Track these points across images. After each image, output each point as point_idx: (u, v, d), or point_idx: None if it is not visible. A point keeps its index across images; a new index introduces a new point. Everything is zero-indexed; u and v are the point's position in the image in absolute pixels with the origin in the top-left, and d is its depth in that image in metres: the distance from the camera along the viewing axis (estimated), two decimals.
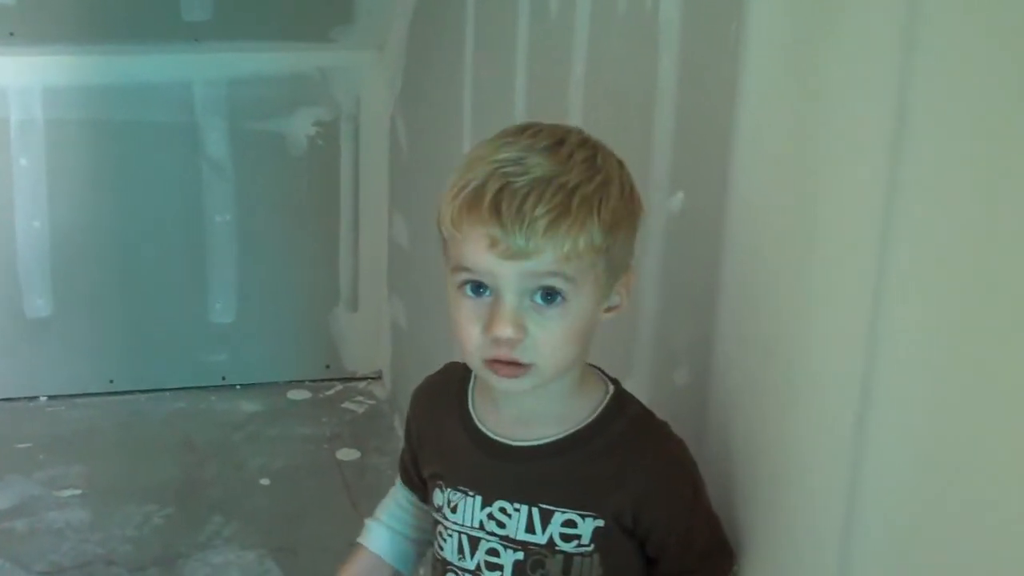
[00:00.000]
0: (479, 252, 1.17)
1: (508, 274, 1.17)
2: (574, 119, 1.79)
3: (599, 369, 1.33)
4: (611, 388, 1.31)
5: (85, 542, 2.77)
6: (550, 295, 1.18)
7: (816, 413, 1.17)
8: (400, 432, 3.21)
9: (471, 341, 1.21)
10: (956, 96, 0.95)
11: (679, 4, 1.47)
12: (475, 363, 1.23)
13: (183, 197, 3.33)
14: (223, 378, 3.49)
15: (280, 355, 3.52)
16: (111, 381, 3.43)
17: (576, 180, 1.17)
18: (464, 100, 2.44)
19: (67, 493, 2.96)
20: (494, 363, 1.20)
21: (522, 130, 1.23)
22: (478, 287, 1.19)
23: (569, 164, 1.18)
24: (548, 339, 1.19)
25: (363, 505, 2.88)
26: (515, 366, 1.20)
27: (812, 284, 1.18)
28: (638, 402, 1.33)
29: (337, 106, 3.33)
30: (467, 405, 1.35)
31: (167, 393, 3.45)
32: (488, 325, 1.18)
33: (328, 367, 3.54)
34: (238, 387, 3.49)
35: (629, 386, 1.51)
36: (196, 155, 3.30)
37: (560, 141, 1.20)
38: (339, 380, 3.54)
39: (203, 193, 3.33)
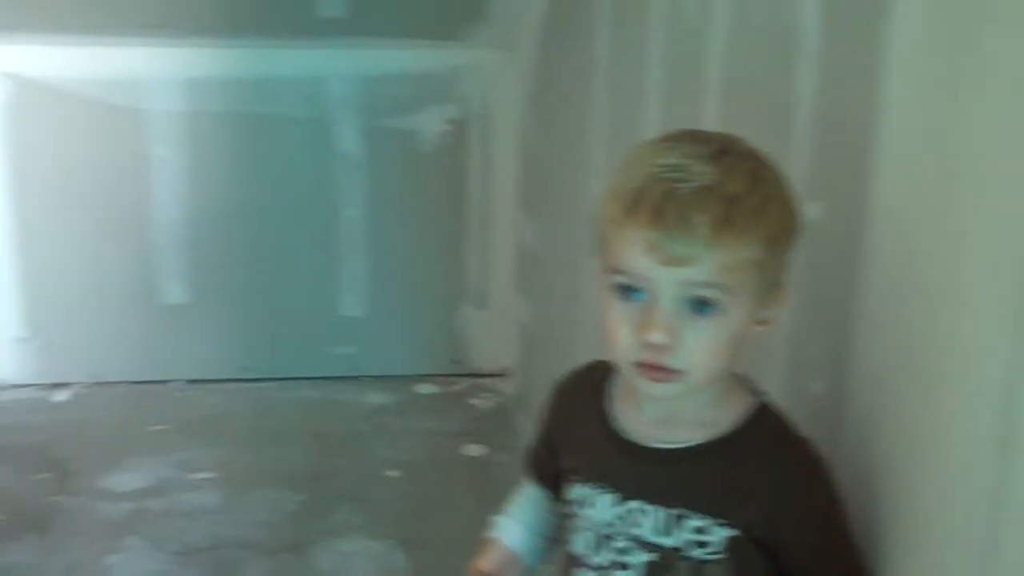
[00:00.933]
0: (637, 256, 1.16)
1: (665, 280, 1.16)
2: (708, 124, 1.79)
3: (748, 380, 1.32)
4: (756, 399, 1.30)
5: (217, 524, 2.84)
6: (705, 304, 1.17)
7: (960, 425, 1.16)
8: (527, 429, 3.24)
9: (622, 342, 1.20)
10: None
11: (819, 10, 1.46)
12: (625, 364, 1.22)
13: (316, 190, 3.38)
14: (353, 369, 3.54)
15: (408, 349, 3.56)
16: (244, 368, 3.51)
17: (739, 191, 1.16)
18: (597, 102, 2.45)
19: (200, 476, 3.04)
20: (644, 366, 1.20)
21: (686, 135, 1.22)
22: (632, 290, 1.19)
23: (733, 174, 1.16)
24: (700, 348, 1.18)
25: (489, 501, 2.88)
26: (664, 371, 1.19)
27: (957, 293, 1.16)
28: (782, 415, 1.31)
29: (468, 104, 3.36)
30: (606, 402, 1.34)
31: (297, 382, 3.51)
32: (641, 328, 1.18)
33: (455, 363, 3.57)
34: (367, 379, 3.54)
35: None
36: (329, 150, 3.35)
37: (723, 150, 1.19)
38: (466, 376, 3.57)
39: (335, 187, 3.38)
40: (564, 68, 2.80)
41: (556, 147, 2.91)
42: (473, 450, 3.20)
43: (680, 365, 1.19)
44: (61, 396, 3.41)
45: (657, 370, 1.19)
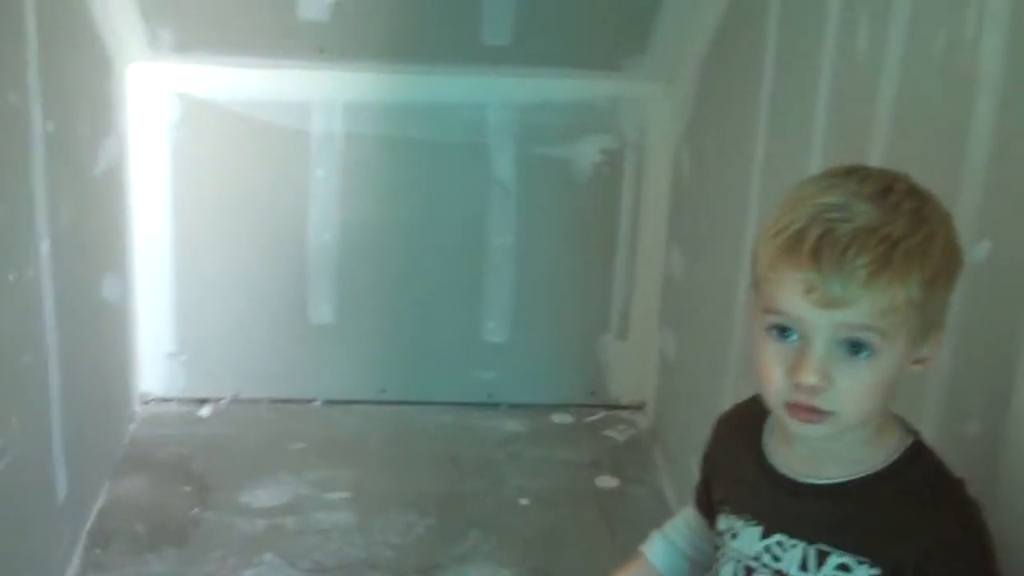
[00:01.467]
0: (793, 297, 1.16)
1: (820, 322, 1.16)
2: (875, 161, 1.75)
3: (901, 418, 1.30)
4: (910, 438, 1.28)
5: (349, 544, 2.86)
6: (859, 346, 1.16)
7: None
8: (660, 463, 3.21)
9: (773, 383, 1.20)
10: None
11: (1002, 44, 1.42)
12: (775, 404, 1.22)
13: (468, 216, 3.40)
14: (490, 396, 3.55)
15: (547, 378, 3.55)
16: (383, 390, 3.53)
17: (901, 232, 1.14)
18: (756, 137, 2.42)
19: (335, 496, 3.06)
20: (794, 407, 1.20)
21: (849, 173, 1.21)
22: (786, 331, 1.19)
23: (895, 214, 1.15)
24: (852, 390, 1.17)
25: (620, 534, 2.88)
26: (814, 412, 1.19)
27: None
28: (935, 456, 1.29)
29: (624, 135, 3.35)
30: (761, 437, 1.34)
31: (435, 406, 3.52)
32: (793, 370, 1.18)
33: (593, 393, 3.55)
34: (504, 406, 3.54)
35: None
36: (484, 176, 3.36)
37: (887, 188, 1.18)
38: (603, 407, 3.55)
39: (487, 213, 3.39)
40: (723, 102, 2.78)
41: (710, 180, 2.89)
42: (606, 482, 3.18)
43: (831, 407, 1.18)
44: (205, 411, 3.46)
45: (808, 411, 1.19)
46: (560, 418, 3.51)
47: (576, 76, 3.27)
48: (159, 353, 3.47)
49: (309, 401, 3.53)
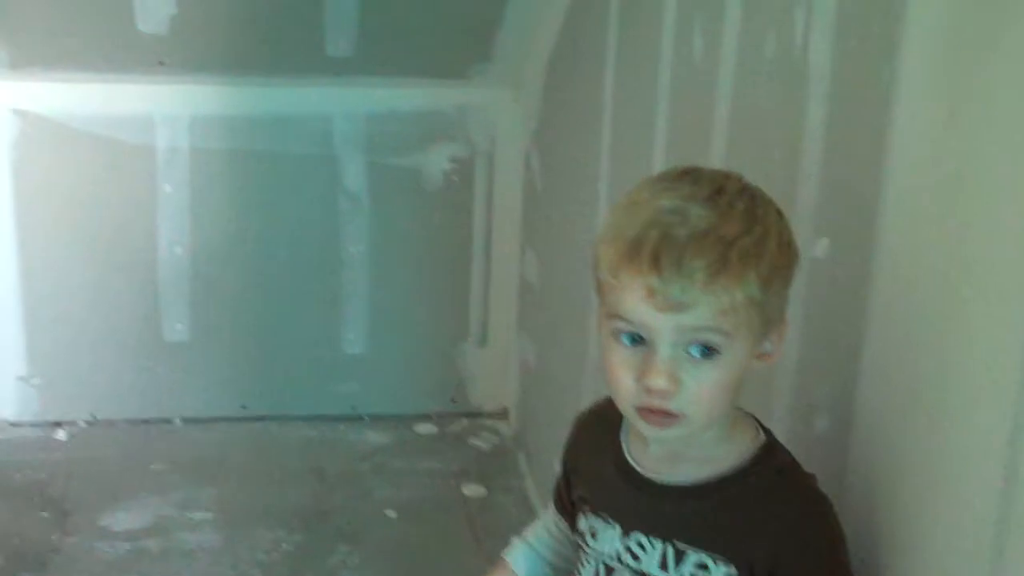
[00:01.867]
0: (636, 302, 1.17)
1: (664, 326, 1.17)
2: (716, 161, 1.78)
3: (753, 417, 1.33)
4: (762, 436, 1.30)
5: (216, 564, 2.82)
6: (704, 348, 1.18)
7: (965, 463, 1.14)
8: (525, 469, 3.23)
9: (623, 388, 1.21)
10: None
11: (830, 46, 1.46)
12: (626, 409, 1.23)
13: (320, 228, 3.38)
14: (352, 408, 3.53)
15: (408, 388, 3.54)
16: (244, 406, 3.49)
17: (735, 232, 1.16)
18: (602, 140, 2.45)
19: (199, 515, 3.02)
20: (645, 411, 1.21)
21: (682, 175, 1.23)
22: (632, 336, 1.19)
23: (729, 215, 1.17)
24: (701, 391, 1.19)
25: (488, 542, 2.89)
26: (666, 415, 1.20)
27: (963, 329, 1.15)
28: (788, 453, 1.31)
29: (473, 142, 3.36)
30: (620, 437, 1.35)
31: (298, 421, 3.49)
32: (641, 375, 1.19)
33: (454, 402, 3.56)
34: (366, 418, 3.53)
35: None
36: (334, 187, 3.35)
37: (720, 190, 1.20)
38: (465, 415, 3.56)
39: (339, 224, 3.38)
40: (569, 106, 2.80)
41: (560, 185, 2.91)
42: (472, 490, 3.18)
43: (681, 408, 1.19)
44: (61, 435, 3.39)
45: (659, 415, 1.20)
46: (424, 428, 3.51)
47: (422, 85, 3.27)
48: (9, 376, 3.39)
49: (168, 420, 3.48)
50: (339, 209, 3.36)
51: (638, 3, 2.28)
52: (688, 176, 1.22)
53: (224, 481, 3.18)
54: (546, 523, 1.55)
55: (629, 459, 1.33)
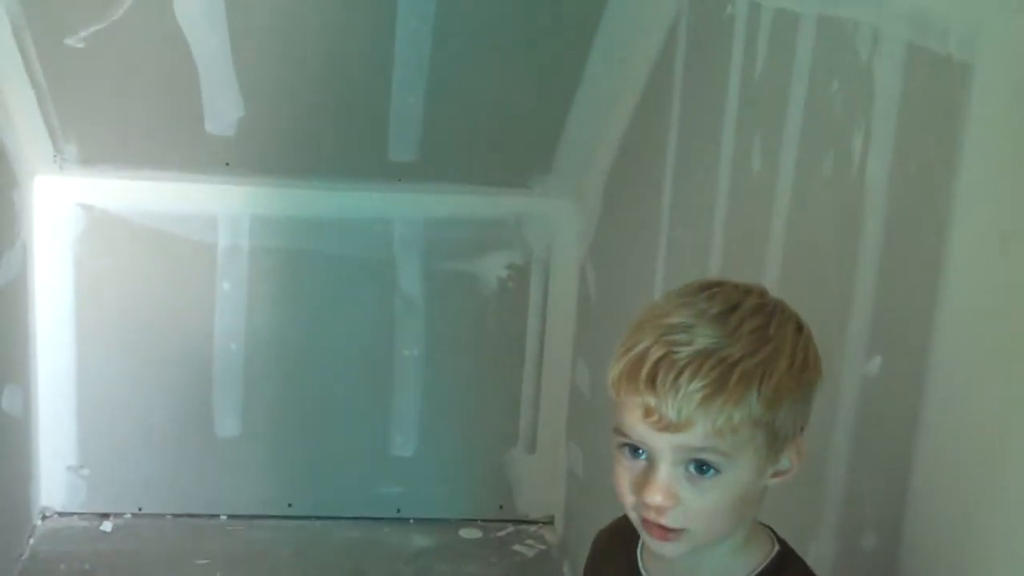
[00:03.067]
0: (635, 420, 1.18)
1: (661, 445, 1.18)
2: (770, 278, 1.80)
3: (770, 529, 1.32)
4: (776, 548, 1.30)
5: None
6: (703, 466, 1.18)
7: None
8: None
9: (627, 500, 1.23)
10: None
11: (887, 165, 1.48)
12: (633, 520, 1.24)
13: (375, 329, 3.40)
14: (398, 511, 3.52)
15: (455, 492, 3.53)
16: (290, 505, 3.49)
17: (739, 354, 1.16)
18: (657, 255, 2.47)
19: None
20: (647, 524, 1.22)
21: (702, 288, 1.24)
22: (635, 449, 1.21)
23: (736, 335, 1.17)
24: (701, 508, 1.19)
25: None
26: (665, 530, 1.20)
27: (1012, 460, 1.15)
28: (804, 564, 1.30)
29: (530, 251, 3.39)
30: (635, 551, 1.36)
31: (342, 521, 3.49)
32: (640, 489, 1.20)
33: (502, 508, 3.54)
34: (412, 521, 3.52)
35: (813, 549, 1.49)
36: (391, 290, 3.38)
37: (734, 307, 1.20)
38: (511, 522, 3.54)
39: (394, 327, 3.40)
40: (627, 219, 2.83)
41: (613, 296, 2.93)
42: None
43: (681, 524, 1.20)
44: (107, 526, 3.40)
45: (659, 529, 1.21)
46: (468, 533, 3.49)
47: (482, 193, 3.31)
48: (60, 466, 3.41)
49: (214, 516, 3.48)
50: (395, 312, 3.39)
51: (698, 118, 2.31)
52: (706, 291, 1.23)
53: None
54: None
55: (645, 573, 1.34)
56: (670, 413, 1.15)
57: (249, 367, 3.39)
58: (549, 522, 3.52)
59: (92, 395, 3.38)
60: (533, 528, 3.53)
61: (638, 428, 1.18)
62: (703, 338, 1.17)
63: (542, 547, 3.43)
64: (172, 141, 3.10)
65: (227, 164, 3.16)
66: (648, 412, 1.16)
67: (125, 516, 3.44)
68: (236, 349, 3.37)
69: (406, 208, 3.33)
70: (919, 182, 1.41)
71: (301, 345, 3.40)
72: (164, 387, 3.39)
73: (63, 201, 3.24)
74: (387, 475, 3.50)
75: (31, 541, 3.27)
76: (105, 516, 3.43)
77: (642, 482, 1.20)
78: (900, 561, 1.38)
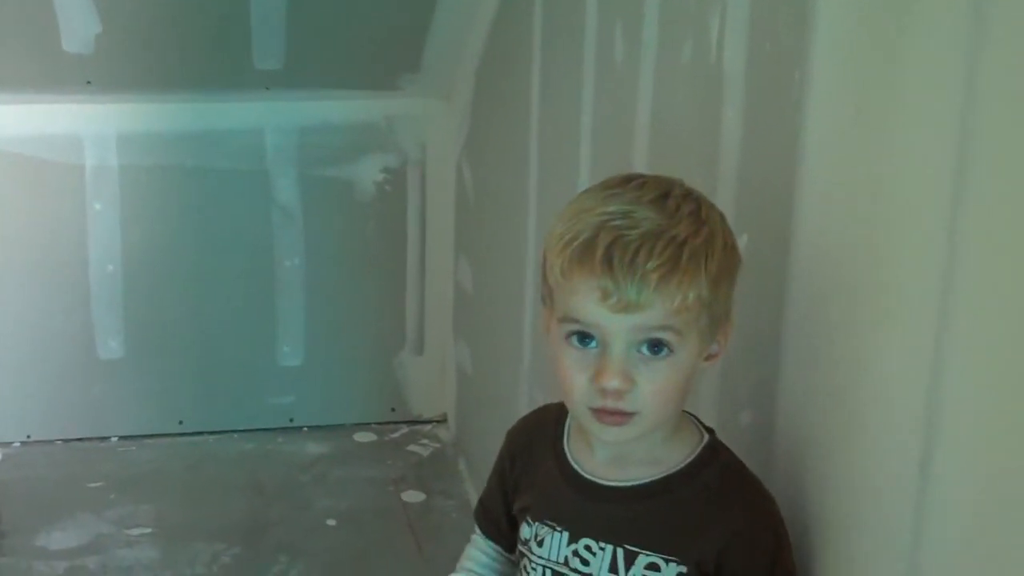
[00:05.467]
0: (589, 304, 1.18)
1: (618, 327, 1.18)
2: (639, 165, 1.82)
3: (695, 417, 1.35)
4: (705, 436, 1.33)
5: None
6: (657, 347, 1.20)
7: (882, 455, 1.18)
8: (465, 474, 3.25)
9: (577, 390, 1.22)
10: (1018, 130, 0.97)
11: (743, 52, 1.50)
12: (579, 411, 1.25)
13: (253, 242, 3.38)
14: (290, 420, 3.53)
15: (346, 398, 3.55)
16: (180, 422, 3.48)
17: (684, 234, 1.18)
18: (530, 147, 2.48)
19: (137, 532, 3.01)
20: (600, 412, 1.22)
21: (626, 181, 1.25)
22: (585, 337, 1.21)
23: (676, 217, 1.20)
24: (654, 389, 1.21)
25: (428, 547, 2.91)
26: (620, 415, 1.21)
27: (877, 328, 1.19)
28: (731, 453, 1.33)
29: (404, 153, 3.38)
30: (562, 443, 1.36)
31: (235, 435, 3.49)
32: (596, 375, 1.20)
33: (394, 410, 3.57)
34: (305, 429, 3.53)
35: None
36: (266, 201, 3.35)
37: (665, 194, 1.22)
38: (404, 423, 3.57)
39: (273, 238, 3.38)
40: (498, 114, 2.83)
41: (490, 193, 2.94)
42: (412, 496, 3.19)
43: (635, 407, 1.21)
44: None
45: (613, 415, 1.21)
46: (363, 436, 3.51)
47: (352, 96, 3.28)
48: None
49: (104, 438, 3.46)
50: (272, 222, 3.37)
51: (560, 11, 2.31)
52: (632, 182, 1.24)
53: (162, 497, 3.17)
54: (479, 547, 1.53)
55: (574, 465, 1.34)
56: (630, 293, 1.16)
57: (128, 287, 3.35)
58: (442, 421, 3.56)
59: None
60: (427, 428, 3.56)
61: (593, 312, 1.18)
62: (646, 221, 1.18)
63: (437, 445, 3.47)
64: (30, 62, 3.02)
65: (88, 83, 3.09)
66: (605, 295, 1.16)
67: (14, 445, 3.41)
68: (113, 270, 3.33)
69: (276, 116, 3.29)
70: (774, 63, 1.43)
71: (180, 262, 3.37)
72: (42, 313, 3.34)
73: None
74: (277, 385, 3.50)
75: None
76: None
77: (595, 369, 1.20)
78: (775, 436, 1.42)
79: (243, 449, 3.44)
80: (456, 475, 3.29)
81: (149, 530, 3.01)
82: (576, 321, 1.20)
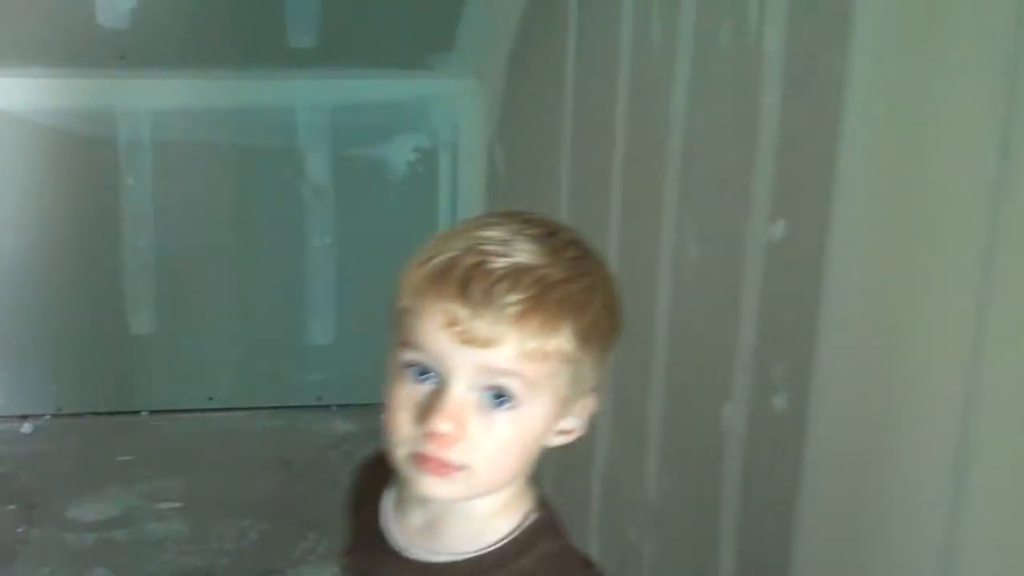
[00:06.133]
0: (434, 331, 1.02)
1: (461, 362, 1.02)
2: (675, 147, 1.81)
3: (539, 490, 1.15)
4: (532, 516, 1.12)
5: (183, 554, 2.83)
6: (501, 395, 1.03)
7: (919, 438, 1.18)
8: None
9: (401, 430, 1.05)
10: None
11: (783, 34, 1.49)
12: (400, 456, 1.06)
13: (284, 220, 3.39)
14: (319, 398, 3.54)
15: (375, 377, 3.54)
16: (210, 398, 3.50)
17: (560, 276, 1.03)
18: (563, 129, 2.47)
19: (166, 506, 3.03)
20: (423, 459, 1.04)
21: (514, 214, 1.10)
22: (423, 370, 1.05)
23: (557, 258, 1.04)
24: (491, 444, 1.04)
25: None
26: (446, 466, 1.03)
27: (916, 307, 1.18)
28: (562, 540, 1.13)
29: (436, 133, 3.38)
30: (384, 500, 1.17)
31: (264, 411, 3.50)
32: (425, 415, 1.03)
33: None
34: (333, 407, 3.54)
35: (726, 411, 1.52)
36: (298, 179, 3.36)
37: (551, 233, 1.07)
38: None
39: (304, 216, 3.39)
40: (532, 95, 2.83)
41: (522, 174, 2.93)
42: None
43: (465, 461, 1.04)
44: (27, 428, 3.39)
45: (437, 464, 1.03)
46: None
47: (385, 76, 3.28)
48: None
49: (135, 413, 3.48)
50: (303, 201, 3.37)
51: None
52: (519, 216, 1.09)
53: (191, 472, 3.19)
54: None
55: (385, 527, 1.16)
56: (480, 325, 1.00)
57: (160, 263, 3.37)
58: None
59: (2, 298, 3.33)
60: None
61: (438, 340, 1.02)
62: (523, 253, 1.03)
63: None
64: (65, 36, 3.03)
65: (122, 57, 3.10)
66: (453, 322, 1.01)
67: (44, 417, 3.43)
68: (145, 246, 3.34)
69: (309, 95, 3.30)
70: (815, 44, 1.42)
71: (211, 238, 3.38)
72: (75, 287, 3.36)
73: None
74: (306, 363, 3.52)
75: None
76: (24, 418, 3.42)
77: (425, 408, 1.03)
78: (809, 420, 1.42)
79: (272, 426, 3.45)
80: None
81: (178, 504, 3.03)
82: (416, 348, 1.04)
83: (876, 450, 1.27)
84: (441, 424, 1.02)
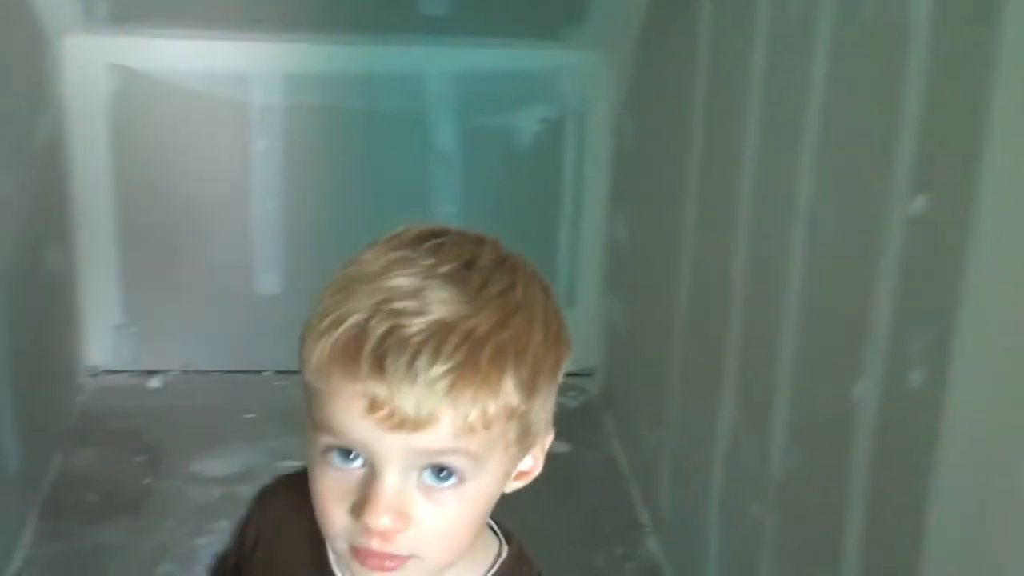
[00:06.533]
0: (352, 417, 0.89)
1: (389, 449, 0.89)
2: (813, 119, 1.79)
3: (492, 524, 1.07)
4: (504, 551, 1.06)
5: None
6: (444, 473, 0.91)
7: None
8: (611, 428, 3.25)
9: (335, 524, 0.93)
10: None
11: (930, 7, 1.46)
12: (339, 548, 0.96)
13: (411, 186, 3.41)
14: None
15: None
16: None
17: (487, 325, 0.90)
18: (694, 103, 2.45)
19: (289, 464, 3.02)
20: (363, 553, 0.93)
21: (421, 239, 0.98)
22: (348, 453, 0.92)
23: (480, 300, 0.92)
24: (436, 528, 0.92)
25: (572, 498, 2.92)
26: (391, 558, 0.93)
27: None
28: (534, 564, 1.09)
29: (564, 104, 3.38)
30: (326, 553, 1.03)
31: None
32: (358, 508, 0.91)
33: None
34: None
35: (858, 387, 1.50)
36: (425, 146, 3.38)
37: (469, 263, 0.95)
38: None
39: (430, 184, 3.41)
40: (663, 68, 2.81)
41: (651, 147, 2.92)
42: (557, 447, 3.18)
43: (411, 551, 0.93)
44: (155, 383, 3.46)
45: (381, 558, 0.93)
46: None
47: (515, 46, 3.28)
48: (106, 325, 3.47)
49: (259, 372, 3.53)
50: (430, 168, 3.39)
51: None
52: (428, 243, 0.97)
53: None
54: None
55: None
56: (406, 407, 0.87)
57: (288, 225, 3.42)
58: (590, 374, 3.56)
59: (134, 255, 3.41)
60: (574, 380, 3.55)
61: (358, 427, 0.89)
62: (439, 305, 0.90)
63: (584, 398, 3.47)
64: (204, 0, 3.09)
65: (258, 21, 3.15)
66: (375, 406, 0.88)
67: (172, 373, 3.50)
68: (274, 207, 3.39)
69: (438, 63, 3.31)
70: (962, 17, 1.39)
71: (338, 202, 3.41)
72: (203, 246, 3.42)
73: (94, 61, 3.22)
74: None
75: (80, 399, 3.34)
76: (153, 373, 3.49)
77: (358, 498, 0.91)
78: (945, 398, 1.39)
79: None
80: (602, 429, 3.29)
81: (300, 462, 3.05)
82: (335, 434, 0.91)
83: (1018, 431, 1.24)
84: (379, 519, 0.90)
